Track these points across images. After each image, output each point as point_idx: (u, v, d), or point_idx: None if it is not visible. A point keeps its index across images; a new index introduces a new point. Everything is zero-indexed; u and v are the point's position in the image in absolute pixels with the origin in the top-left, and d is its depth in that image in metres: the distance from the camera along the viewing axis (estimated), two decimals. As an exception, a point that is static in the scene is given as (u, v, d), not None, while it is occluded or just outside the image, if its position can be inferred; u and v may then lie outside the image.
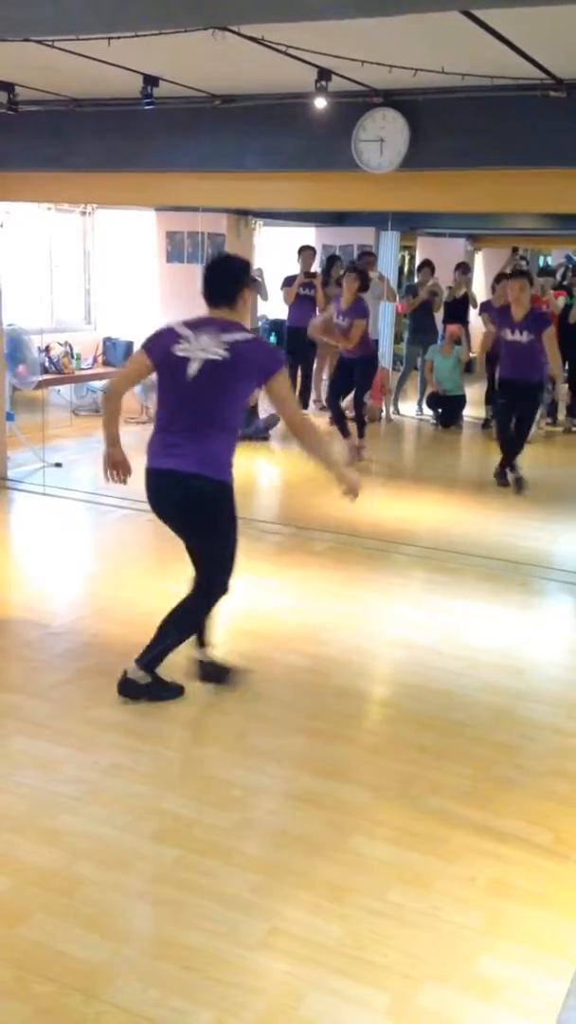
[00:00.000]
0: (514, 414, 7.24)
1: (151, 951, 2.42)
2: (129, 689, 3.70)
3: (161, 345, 3.57)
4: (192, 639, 3.84)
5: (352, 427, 8.14)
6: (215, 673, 3.88)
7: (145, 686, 3.70)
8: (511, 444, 7.32)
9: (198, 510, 3.57)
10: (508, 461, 7.32)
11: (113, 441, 3.75)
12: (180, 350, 3.51)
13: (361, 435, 8.11)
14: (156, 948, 2.43)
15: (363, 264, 9.50)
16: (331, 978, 2.35)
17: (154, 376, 3.65)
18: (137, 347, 3.81)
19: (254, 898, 2.63)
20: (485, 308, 10.08)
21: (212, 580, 3.70)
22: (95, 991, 2.28)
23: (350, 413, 8.41)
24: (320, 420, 9.92)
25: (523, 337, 6.89)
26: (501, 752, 3.49)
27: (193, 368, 3.47)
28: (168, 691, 3.76)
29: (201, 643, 3.90)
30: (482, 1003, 2.29)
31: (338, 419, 8.17)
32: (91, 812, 3.00)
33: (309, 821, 3.00)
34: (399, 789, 3.21)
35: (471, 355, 10.41)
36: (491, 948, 2.48)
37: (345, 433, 8.08)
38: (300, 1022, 2.22)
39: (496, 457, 7.51)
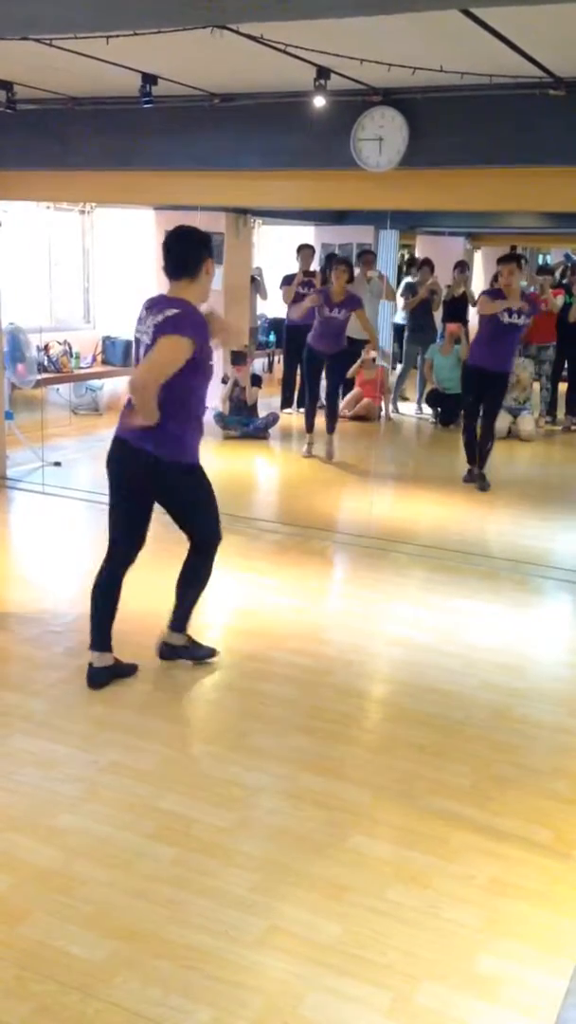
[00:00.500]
0: (482, 405, 7.17)
1: (150, 950, 2.42)
2: (167, 651, 4.05)
3: (137, 326, 3.70)
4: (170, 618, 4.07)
5: (319, 422, 8.17)
6: (181, 651, 4.10)
7: (182, 648, 4.06)
8: (484, 439, 7.27)
9: (163, 486, 3.71)
10: (479, 459, 7.27)
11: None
12: (137, 332, 3.66)
13: (331, 430, 8.12)
14: (155, 947, 2.43)
15: (360, 263, 9.51)
16: (330, 977, 2.35)
17: None
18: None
19: (253, 897, 2.63)
20: None
21: (204, 533, 3.91)
22: (94, 990, 2.28)
23: (346, 412, 8.45)
24: (320, 418, 9.97)
25: (520, 320, 6.86)
26: (500, 751, 3.49)
27: (141, 352, 3.61)
28: (203, 650, 4.10)
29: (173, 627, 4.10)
30: (482, 1001, 2.30)
31: (309, 413, 8.22)
32: (90, 811, 3.00)
33: (308, 820, 3.00)
34: (398, 788, 3.21)
35: None
36: (491, 946, 2.48)
37: (310, 428, 8.15)
38: (299, 1021, 2.22)
39: (499, 454, 7.50)
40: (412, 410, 10.49)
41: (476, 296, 10.79)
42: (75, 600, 4.92)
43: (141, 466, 3.63)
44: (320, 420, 8.24)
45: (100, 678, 3.84)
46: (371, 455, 8.10)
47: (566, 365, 10.28)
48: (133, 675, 3.93)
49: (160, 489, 3.73)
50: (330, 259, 10.14)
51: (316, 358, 8.08)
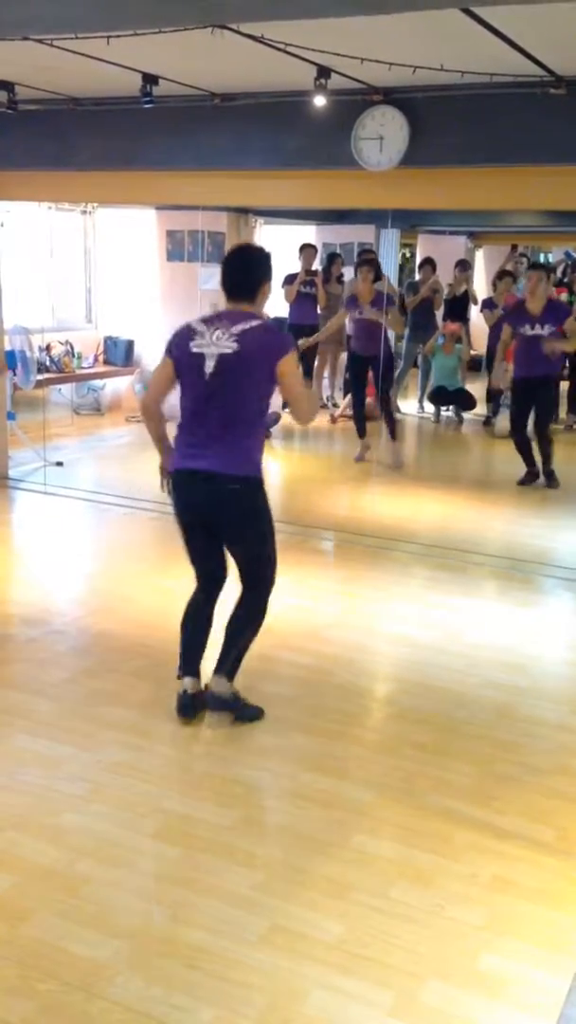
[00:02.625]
0: (533, 411, 7.20)
1: (153, 949, 2.42)
2: (215, 703, 3.57)
3: (179, 344, 3.49)
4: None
5: (371, 427, 8.05)
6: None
7: (231, 699, 3.58)
8: (543, 443, 7.31)
9: (232, 509, 3.47)
10: (544, 460, 7.28)
11: (167, 451, 3.61)
12: (195, 346, 3.43)
13: (392, 435, 7.97)
14: (158, 946, 2.44)
15: (358, 256, 9.49)
16: (334, 975, 2.35)
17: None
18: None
19: (256, 896, 2.63)
20: (486, 305, 10.07)
21: (259, 580, 3.59)
22: (97, 989, 2.28)
23: (348, 412, 8.40)
24: (322, 417, 9.95)
25: (544, 330, 6.87)
26: (503, 749, 3.49)
27: (209, 365, 3.38)
28: (250, 710, 3.63)
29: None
30: (485, 999, 2.30)
31: (359, 418, 8.09)
32: (93, 810, 3.00)
33: (311, 819, 3.00)
34: (401, 787, 3.21)
35: (472, 352, 10.41)
36: (494, 945, 2.48)
37: (362, 433, 8.02)
38: (303, 1019, 2.22)
39: (499, 452, 7.49)
40: (413, 408, 10.48)
41: (477, 295, 10.82)
42: (77, 600, 4.94)
43: (212, 490, 3.44)
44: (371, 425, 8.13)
45: (190, 707, 3.61)
46: (373, 453, 8.08)
47: (567, 364, 10.26)
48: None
49: (226, 509, 3.48)
50: (332, 258, 10.15)
51: (357, 361, 8.01)
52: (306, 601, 4.90)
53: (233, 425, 3.42)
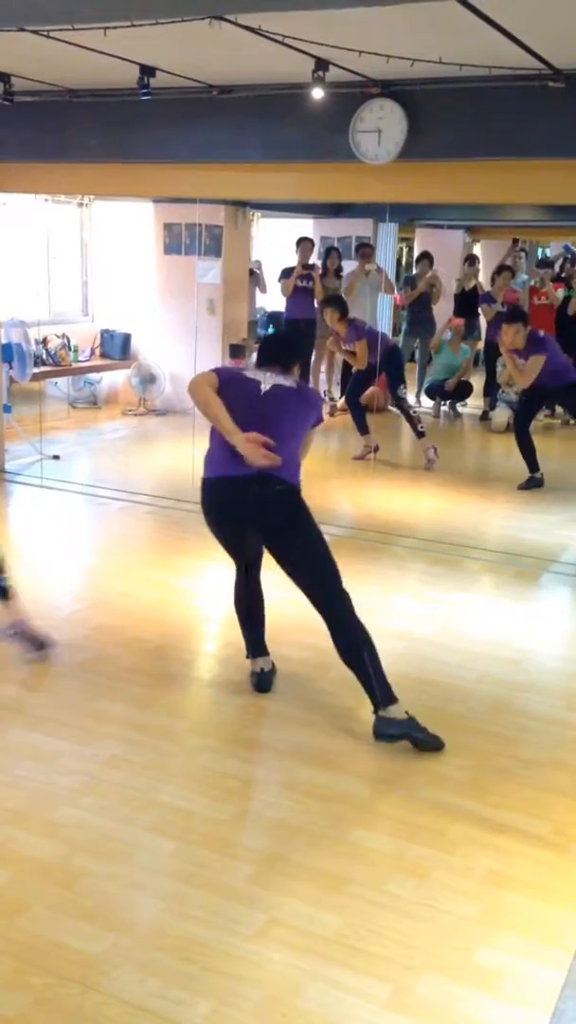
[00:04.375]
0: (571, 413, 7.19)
1: (150, 942, 2.43)
2: (387, 730, 3.41)
3: (231, 374, 3.67)
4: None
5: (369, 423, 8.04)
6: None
7: (405, 719, 3.42)
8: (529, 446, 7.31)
9: (282, 512, 3.56)
10: (538, 466, 7.23)
11: (234, 430, 3.48)
12: (249, 373, 3.65)
13: (419, 434, 7.92)
14: (155, 939, 2.44)
15: (359, 256, 9.46)
16: (330, 969, 2.35)
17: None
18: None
19: (253, 889, 2.64)
20: (485, 300, 10.07)
21: (332, 599, 3.60)
22: (93, 982, 2.28)
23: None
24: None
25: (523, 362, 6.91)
26: (499, 743, 3.49)
27: (265, 386, 3.57)
28: (428, 738, 3.41)
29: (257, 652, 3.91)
30: (480, 993, 2.30)
31: (357, 416, 8.07)
32: (90, 804, 3.00)
33: (307, 812, 3.00)
34: (397, 781, 3.21)
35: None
36: (489, 938, 2.49)
37: (364, 430, 8.01)
38: (299, 1013, 2.22)
39: (497, 447, 7.47)
40: (411, 403, 10.47)
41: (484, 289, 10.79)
42: (74, 594, 4.93)
43: (276, 493, 3.58)
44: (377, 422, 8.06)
45: (266, 683, 3.82)
46: (375, 452, 8.08)
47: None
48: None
49: (271, 519, 3.62)
50: (329, 251, 10.14)
51: (362, 372, 7.96)
52: (303, 596, 4.88)
53: (282, 440, 3.48)
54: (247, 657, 3.90)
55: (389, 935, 2.48)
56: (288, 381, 3.66)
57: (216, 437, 3.56)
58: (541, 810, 3.07)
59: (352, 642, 3.54)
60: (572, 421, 9.96)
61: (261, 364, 3.76)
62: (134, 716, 3.58)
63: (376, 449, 7.88)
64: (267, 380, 3.60)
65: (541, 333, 7.13)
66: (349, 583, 5.14)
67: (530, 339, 6.92)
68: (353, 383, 8.03)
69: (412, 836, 2.90)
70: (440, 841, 2.89)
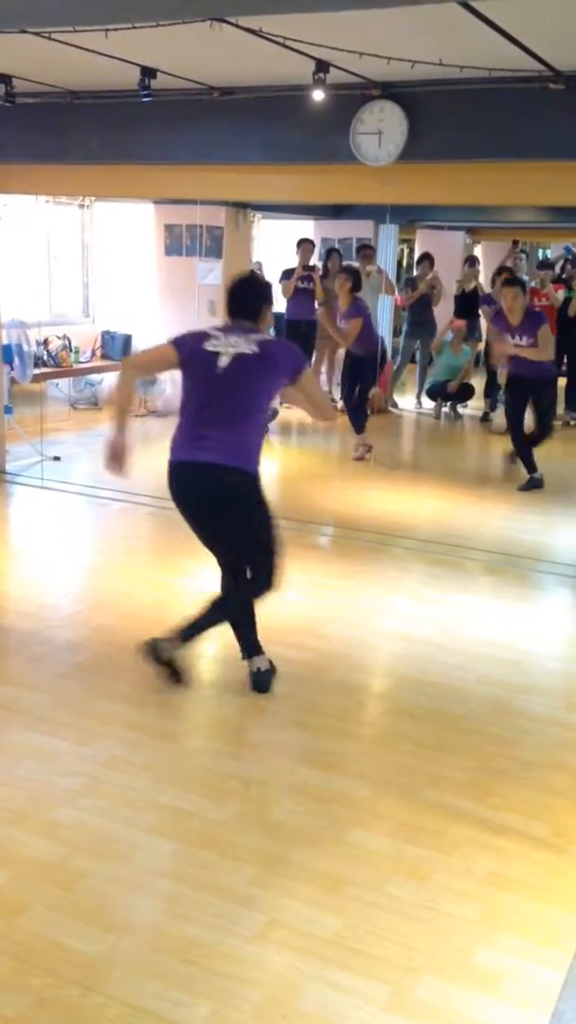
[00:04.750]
0: (530, 407, 7.15)
1: (149, 943, 2.43)
2: (154, 650, 3.67)
3: (191, 340, 3.64)
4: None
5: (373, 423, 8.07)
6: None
7: (170, 658, 3.68)
8: (541, 435, 7.28)
9: (231, 502, 3.57)
10: (536, 467, 7.22)
11: (121, 427, 3.63)
12: (210, 345, 3.59)
13: (360, 431, 8.00)
14: (154, 940, 2.44)
15: (360, 257, 9.48)
16: (329, 970, 2.35)
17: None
18: (146, 345, 3.89)
19: (252, 890, 2.64)
20: (485, 301, 10.07)
21: (259, 573, 3.71)
22: (93, 983, 2.28)
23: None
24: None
25: (524, 342, 6.87)
26: (499, 745, 3.50)
27: (223, 361, 3.53)
28: (181, 675, 3.75)
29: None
30: (480, 994, 2.30)
31: (353, 416, 8.07)
32: (89, 805, 3.01)
33: (307, 814, 3.00)
34: (397, 782, 3.21)
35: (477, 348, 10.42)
36: (489, 940, 2.49)
37: (359, 429, 8.00)
38: (298, 1014, 2.23)
39: (497, 448, 7.46)
40: (411, 404, 10.49)
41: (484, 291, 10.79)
42: (74, 595, 4.93)
43: (210, 481, 3.55)
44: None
45: (264, 682, 3.83)
46: (371, 449, 8.08)
47: (565, 360, 10.26)
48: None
49: (225, 503, 3.59)
50: (330, 253, 10.15)
51: (352, 359, 7.97)
52: (303, 596, 4.89)
53: (240, 421, 3.54)
54: (243, 658, 3.89)
55: (388, 936, 2.48)
56: (250, 345, 3.55)
57: (179, 422, 3.67)
58: (541, 811, 3.07)
59: (226, 602, 3.78)
60: (572, 422, 9.97)
61: (231, 317, 3.74)
62: (134, 717, 3.58)
63: (369, 448, 7.89)
64: (228, 351, 3.55)
65: (538, 308, 7.14)
66: (350, 583, 5.16)
67: (529, 313, 6.93)
68: (348, 381, 8.04)
69: (412, 837, 2.90)
70: (440, 842, 2.89)
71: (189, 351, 3.61)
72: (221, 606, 3.79)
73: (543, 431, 7.30)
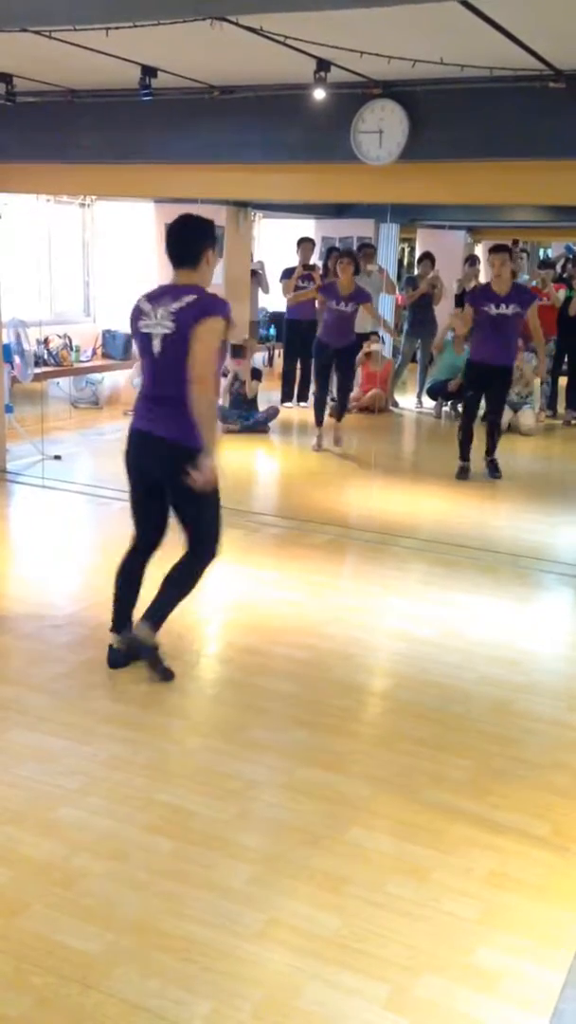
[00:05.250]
0: (485, 400, 7.15)
1: (149, 942, 2.43)
2: (133, 646, 3.83)
3: (133, 324, 3.70)
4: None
5: (329, 417, 8.15)
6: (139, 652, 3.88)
7: (151, 648, 3.79)
8: (492, 432, 7.28)
9: (177, 475, 3.58)
10: (489, 447, 7.26)
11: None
12: (144, 326, 3.62)
13: (339, 419, 8.14)
14: (154, 939, 2.44)
15: (361, 257, 9.48)
16: (329, 969, 2.35)
17: None
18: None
19: (252, 889, 2.64)
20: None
21: (202, 544, 3.80)
22: (93, 982, 2.28)
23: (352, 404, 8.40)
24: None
25: (509, 310, 6.75)
26: (500, 744, 3.49)
27: (156, 344, 3.58)
28: (162, 669, 3.83)
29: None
30: (480, 994, 2.30)
31: (319, 406, 8.16)
32: (90, 804, 3.01)
33: (307, 813, 3.00)
34: (398, 781, 3.21)
35: None
36: (489, 939, 2.49)
37: (320, 422, 8.09)
38: (298, 1013, 2.22)
39: (501, 448, 7.46)
40: (412, 404, 10.48)
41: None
42: (74, 594, 4.93)
43: (160, 454, 3.67)
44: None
45: (119, 659, 3.92)
46: (372, 448, 8.09)
47: (566, 359, 10.27)
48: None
49: (173, 476, 3.61)
50: (331, 252, 10.14)
51: (325, 352, 8.02)
52: (303, 596, 4.90)
53: (180, 398, 3.52)
54: (110, 631, 3.94)
55: (388, 935, 2.48)
56: (169, 320, 3.48)
57: (140, 386, 3.76)
58: (541, 811, 3.07)
59: (180, 580, 3.81)
60: (573, 422, 9.97)
61: (172, 265, 3.66)
62: (134, 716, 3.58)
63: (321, 441, 7.97)
64: (156, 331, 3.55)
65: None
66: (350, 583, 5.16)
67: (518, 285, 6.89)
68: (325, 374, 8.07)
69: (412, 836, 2.90)
70: (440, 841, 2.89)
71: (135, 334, 3.69)
72: (176, 581, 3.84)
73: (494, 419, 7.28)
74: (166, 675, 3.83)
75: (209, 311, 3.48)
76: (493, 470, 7.35)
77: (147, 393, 3.72)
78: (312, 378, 8.73)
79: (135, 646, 3.85)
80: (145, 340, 3.61)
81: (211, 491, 3.65)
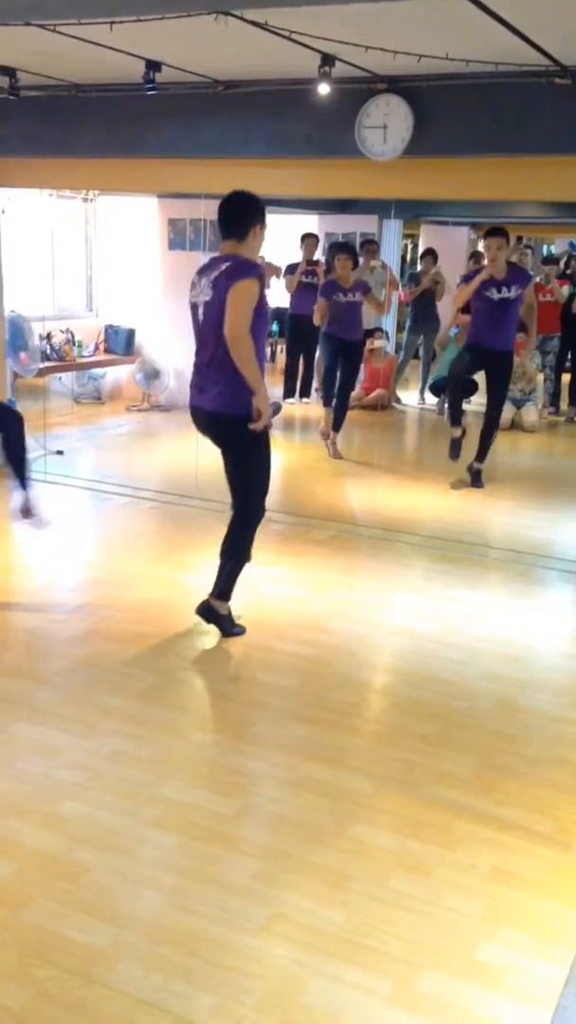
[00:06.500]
0: (486, 393, 6.98)
1: (152, 936, 2.43)
2: (208, 613, 4.18)
3: (190, 294, 3.96)
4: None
5: (324, 427, 8.00)
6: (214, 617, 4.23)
7: (225, 616, 4.19)
8: (488, 430, 7.07)
9: (225, 442, 3.98)
10: (479, 452, 7.06)
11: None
12: (192, 297, 3.89)
13: (337, 428, 7.89)
14: (157, 933, 2.44)
15: (364, 253, 9.47)
16: (332, 964, 2.36)
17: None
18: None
19: (255, 884, 2.64)
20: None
21: (246, 505, 4.06)
22: (96, 975, 2.29)
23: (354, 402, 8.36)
24: (322, 408, 9.93)
25: (512, 293, 6.65)
26: (502, 741, 3.49)
27: (200, 313, 3.82)
28: (236, 628, 4.23)
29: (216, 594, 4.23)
30: (482, 989, 2.30)
31: (328, 405, 8.09)
32: (93, 798, 3.01)
33: (310, 808, 3.01)
34: (400, 777, 3.21)
35: None
36: (491, 935, 2.49)
37: (328, 403, 8.02)
38: (301, 1008, 2.23)
39: (501, 445, 7.41)
40: (414, 400, 10.47)
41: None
42: (77, 589, 4.93)
43: (209, 425, 3.97)
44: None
45: (209, 614, 4.18)
46: (374, 445, 8.08)
47: (569, 356, 10.25)
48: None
49: (224, 444, 3.96)
50: (333, 247, 10.12)
51: (333, 343, 7.92)
52: (306, 592, 4.90)
53: (222, 367, 3.77)
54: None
55: (391, 931, 2.48)
56: (209, 290, 3.74)
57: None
58: (544, 807, 3.07)
59: (234, 542, 4.11)
60: (575, 418, 9.96)
61: (222, 238, 3.89)
62: (137, 710, 3.58)
63: (333, 455, 7.89)
64: (200, 299, 3.81)
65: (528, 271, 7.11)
66: (353, 579, 5.16)
67: (515, 268, 6.83)
68: (332, 370, 8.00)
69: (415, 832, 2.90)
70: (443, 838, 2.89)
71: (189, 305, 3.96)
72: (227, 551, 4.13)
73: (495, 415, 7.03)
74: (232, 632, 4.22)
75: (239, 274, 3.69)
76: (476, 479, 7.06)
77: (196, 362, 3.95)
78: (320, 377, 8.63)
79: (208, 613, 4.18)
80: (193, 310, 3.88)
81: (261, 443, 3.89)
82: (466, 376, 7.14)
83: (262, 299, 3.72)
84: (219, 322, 3.71)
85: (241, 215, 3.86)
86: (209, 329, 3.80)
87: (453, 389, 7.18)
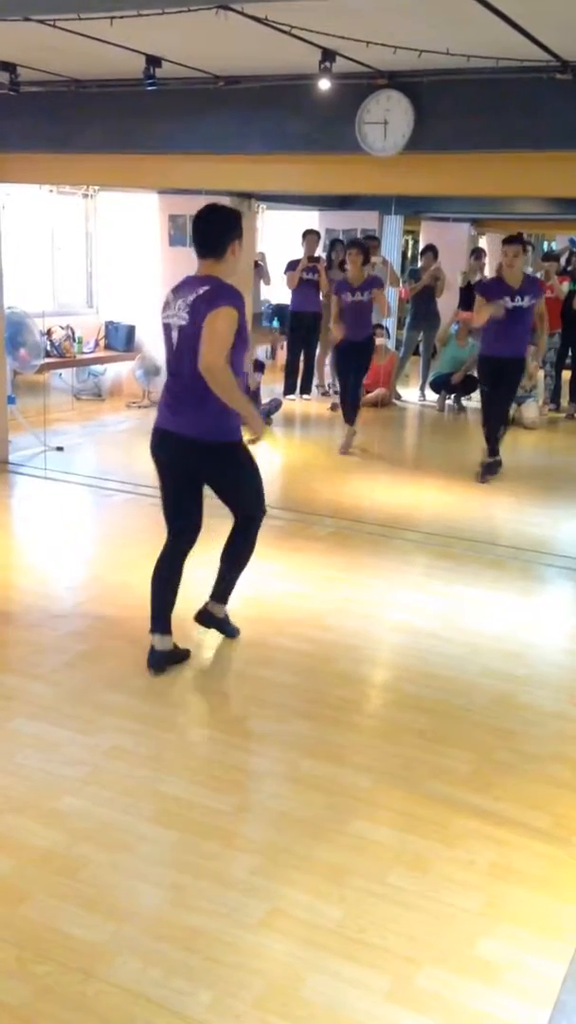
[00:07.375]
0: (500, 393, 7.06)
1: (151, 932, 2.43)
2: (207, 620, 4.16)
3: (161, 315, 3.72)
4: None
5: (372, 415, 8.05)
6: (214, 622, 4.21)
7: (223, 618, 4.17)
8: (496, 425, 7.19)
9: (206, 467, 3.74)
10: (495, 447, 7.17)
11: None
12: (165, 317, 3.65)
13: (351, 422, 7.93)
14: (156, 929, 2.44)
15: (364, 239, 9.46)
16: (331, 960, 2.36)
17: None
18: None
19: (254, 880, 2.64)
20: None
21: (247, 512, 3.94)
22: (95, 971, 2.29)
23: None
24: (323, 404, 9.92)
25: (525, 302, 6.69)
26: (502, 737, 3.50)
27: (174, 336, 3.60)
28: (230, 627, 4.21)
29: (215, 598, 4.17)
30: (481, 985, 2.30)
31: (345, 403, 8.06)
32: (92, 794, 3.01)
33: (310, 804, 3.01)
34: (400, 773, 3.22)
35: None
36: (490, 931, 2.49)
37: (350, 420, 7.97)
38: (300, 1003, 2.23)
39: (504, 442, 7.42)
40: (415, 397, 10.47)
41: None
42: (77, 585, 4.94)
43: (184, 452, 3.68)
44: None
45: (161, 662, 3.84)
46: (374, 441, 8.08)
47: (570, 352, 10.25)
48: (186, 660, 3.95)
49: (204, 470, 3.75)
50: (334, 244, 10.11)
51: (345, 345, 7.90)
52: (306, 588, 4.90)
53: (199, 392, 3.55)
54: (150, 631, 3.87)
55: (390, 927, 2.48)
56: (184, 312, 3.49)
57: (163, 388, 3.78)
58: (543, 803, 3.07)
59: (238, 546, 4.01)
60: (575, 414, 9.95)
61: (198, 257, 3.62)
62: (137, 707, 3.59)
63: (353, 435, 7.90)
64: (175, 322, 3.57)
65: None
66: (353, 575, 5.16)
67: (529, 276, 6.86)
68: (343, 369, 8.00)
69: (414, 828, 2.91)
70: (442, 833, 2.89)
71: (161, 324, 3.71)
72: (232, 556, 4.04)
73: (501, 419, 7.18)
74: (234, 633, 4.21)
75: (219, 301, 3.45)
76: (486, 472, 7.13)
77: (168, 385, 3.74)
78: (334, 376, 8.58)
79: (207, 618, 4.14)
80: (166, 331, 3.64)
81: (243, 459, 3.78)
82: (490, 391, 7.15)
83: (242, 325, 3.50)
84: (195, 348, 3.46)
85: (217, 232, 3.56)
86: (184, 355, 3.54)
87: (487, 417, 7.18)
